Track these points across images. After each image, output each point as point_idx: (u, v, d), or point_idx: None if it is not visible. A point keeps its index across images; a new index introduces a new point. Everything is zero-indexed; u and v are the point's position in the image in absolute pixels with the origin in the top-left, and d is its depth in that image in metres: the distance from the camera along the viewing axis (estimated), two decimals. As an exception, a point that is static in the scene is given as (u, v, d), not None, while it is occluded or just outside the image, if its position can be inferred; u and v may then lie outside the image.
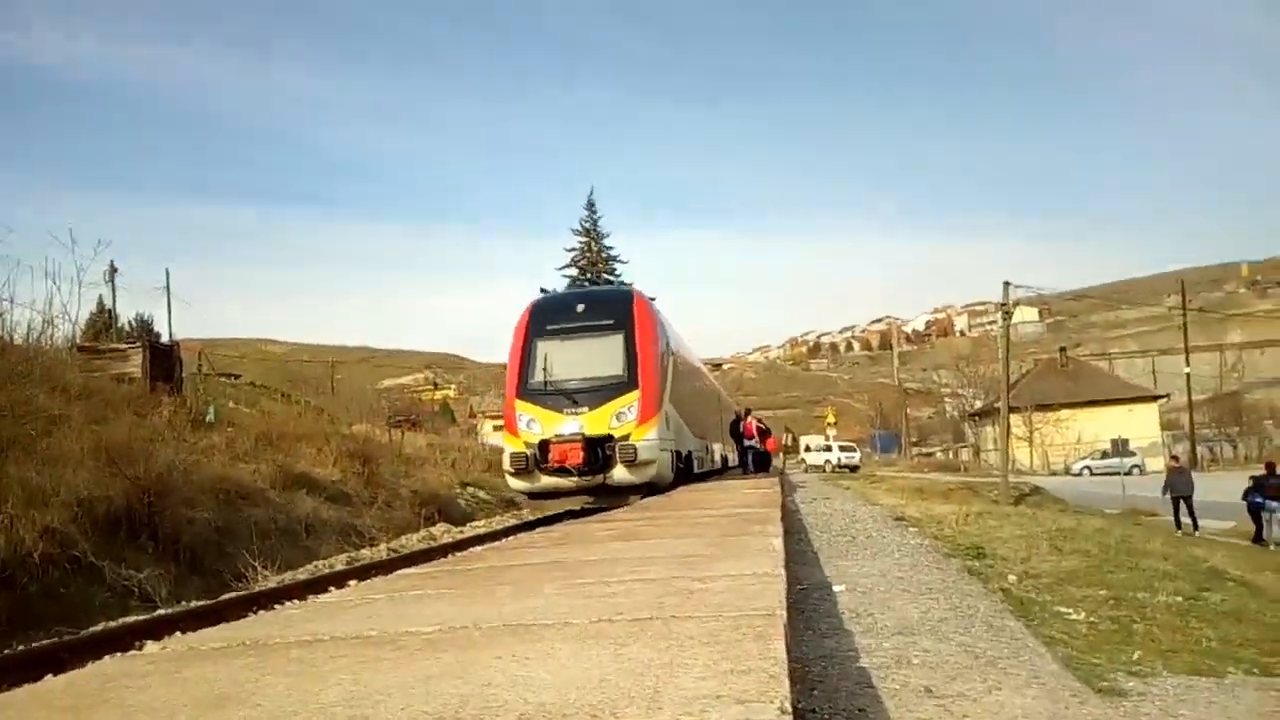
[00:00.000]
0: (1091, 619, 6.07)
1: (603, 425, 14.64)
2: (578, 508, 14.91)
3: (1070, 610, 6.33)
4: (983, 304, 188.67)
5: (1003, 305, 29.80)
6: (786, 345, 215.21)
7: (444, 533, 17.44)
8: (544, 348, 15.51)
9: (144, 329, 72.37)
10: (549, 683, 1.99)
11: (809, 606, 6.03)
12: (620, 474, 14.52)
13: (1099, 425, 56.86)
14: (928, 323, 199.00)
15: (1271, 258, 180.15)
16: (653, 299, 17.25)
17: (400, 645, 2.55)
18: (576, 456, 14.34)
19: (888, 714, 3.47)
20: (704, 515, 7.82)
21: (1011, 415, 35.82)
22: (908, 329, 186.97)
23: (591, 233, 53.92)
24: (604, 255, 54.23)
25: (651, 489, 14.89)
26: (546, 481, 14.79)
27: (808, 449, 59.88)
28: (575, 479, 14.51)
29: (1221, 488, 23.58)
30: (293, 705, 1.96)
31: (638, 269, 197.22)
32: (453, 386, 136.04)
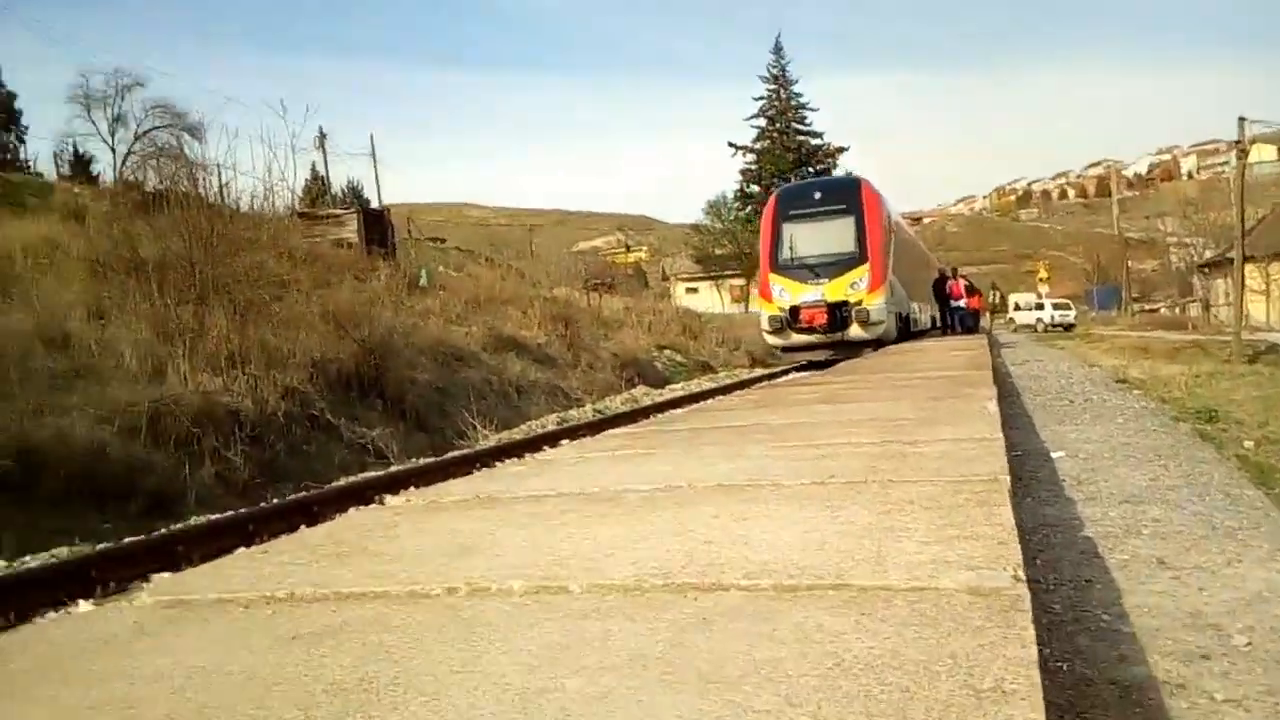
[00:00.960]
0: (1347, 489, 5.58)
1: (840, 293, 17.87)
2: (821, 359, 17.63)
3: (1321, 479, 5.83)
4: (1213, 144, 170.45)
5: (1237, 143, 26.82)
6: (993, 195, 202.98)
7: (644, 394, 17.93)
8: (789, 230, 18.65)
9: (355, 194, 76.31)
10: (768, 543, 2.01)
11: (1025, 473, 5.83)
12: (856, 332, 17.82)
13: (1351, 274, 51.20)
14: (1150, 166, 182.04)
15: None
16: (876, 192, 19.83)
17: (620, 502, 2.64)
18: (821, 318, 17.78)
19: (1117, 586, 3.33)
20: (910, 378, 7.64)
21: (1247, 265, 32.71)
22: (1128, 173, 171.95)
23: (780, 79, 52.03)
24: (793, 104, 52.40)
25: (879, 344, 17.93)
26: (797, 338, 18.40)
27: (1017, 307, 57.14)
28: (820, 335, 17.99)
29: None
30: (531, 555, 2.08)
31: (829, 117, 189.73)
32: (644, 248, 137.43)
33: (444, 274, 33.80)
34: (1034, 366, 16.57)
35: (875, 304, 17.91)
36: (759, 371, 24.12)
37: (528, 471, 3.50)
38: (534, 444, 10.43)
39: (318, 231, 25.66)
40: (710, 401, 12.47)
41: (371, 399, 15.55)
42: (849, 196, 18.90)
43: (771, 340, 19.44)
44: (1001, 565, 1.73)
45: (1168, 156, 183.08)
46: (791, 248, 18.57)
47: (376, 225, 26.74)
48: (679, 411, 10.48)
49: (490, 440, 12.92)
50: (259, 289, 17.06)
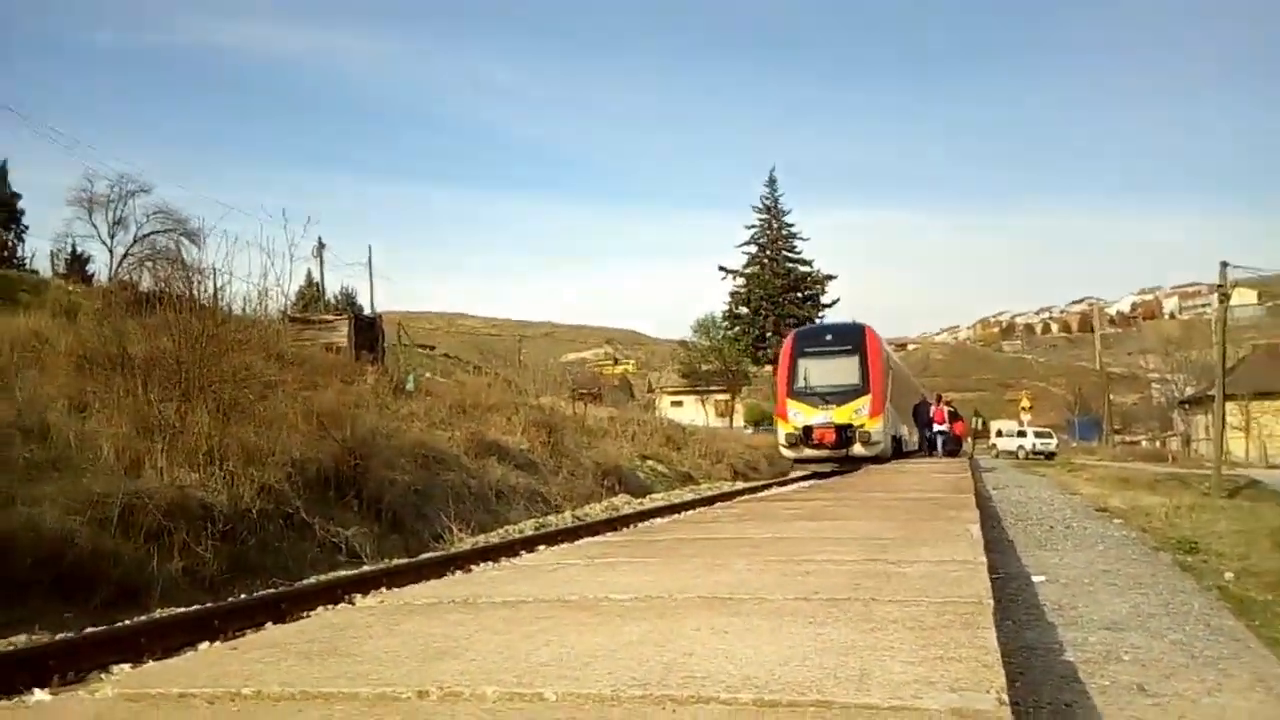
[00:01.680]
0: (1327, 625, 5.54)
1: (846, 416, 21.50)
2: (828, 470, 20.53)
3: (1301, 615, 5.80)
4: (1194, 285, 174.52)
5: (1219, 286, 27.47)
6: (977, 326, 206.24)
7: (625, 503, 17.79)
8: (804, 364, 22.46)
9: (348, 301, 77.06)
10: (750, 656, 1.98)
11: (1006, 596, 5.78)
12: (858, 449, 21.26)
13: (1327, 416, 51.91)
14: (1133, 305, 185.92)
15: None
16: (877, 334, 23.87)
17: (600, 610, 2.60)
18: (830, 437, 21.37)
19: (1097, 711, 3.28)
20: (894, 498, 7.63)
21: (1227, 403, 33.10)
22: (1110, 311, 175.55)
23: (772, 210, 53.42)
24: (784, 232, 53.66)
25: (878, 460, 21.06)
26: (809, 452, 21.97)
27: (999, 433, 57.38)
28: (829, 450, 21.43)
29: None
30: (506, 660, 2.04)
31: (819, 246, 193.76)
32: (631, 361, 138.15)
33: (431, 380, 33.83)
34: (1015, 492, 16.57)
35: (875, 427, 21.54)
36: (740, 485, 24.03)
37: (504, 576, 3.46)
38: (511, 548, 10.28)
39: (308, 336, 25.76)
40: (692, 513, 12.42)
41: (349, 498, 15.35)
42: (855, 338, 22.84)
43: (788, 453, 23.06)
44: (984, 687, 1.71)
45: (1150, 296, 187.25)
46: (806, 378, 22.35)
47: (367, 331, 26.90)
48: (660, 521, 10.38)
49: (465, 543, 12.73)
50: (244, 389, 17.03)
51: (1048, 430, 57.96)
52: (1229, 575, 7.13)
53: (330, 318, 29.06)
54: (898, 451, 24.29)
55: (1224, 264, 30.40)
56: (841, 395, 21.91)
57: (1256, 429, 53.03)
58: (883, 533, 4.77)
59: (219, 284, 22.55)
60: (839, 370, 22.26)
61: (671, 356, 74.57)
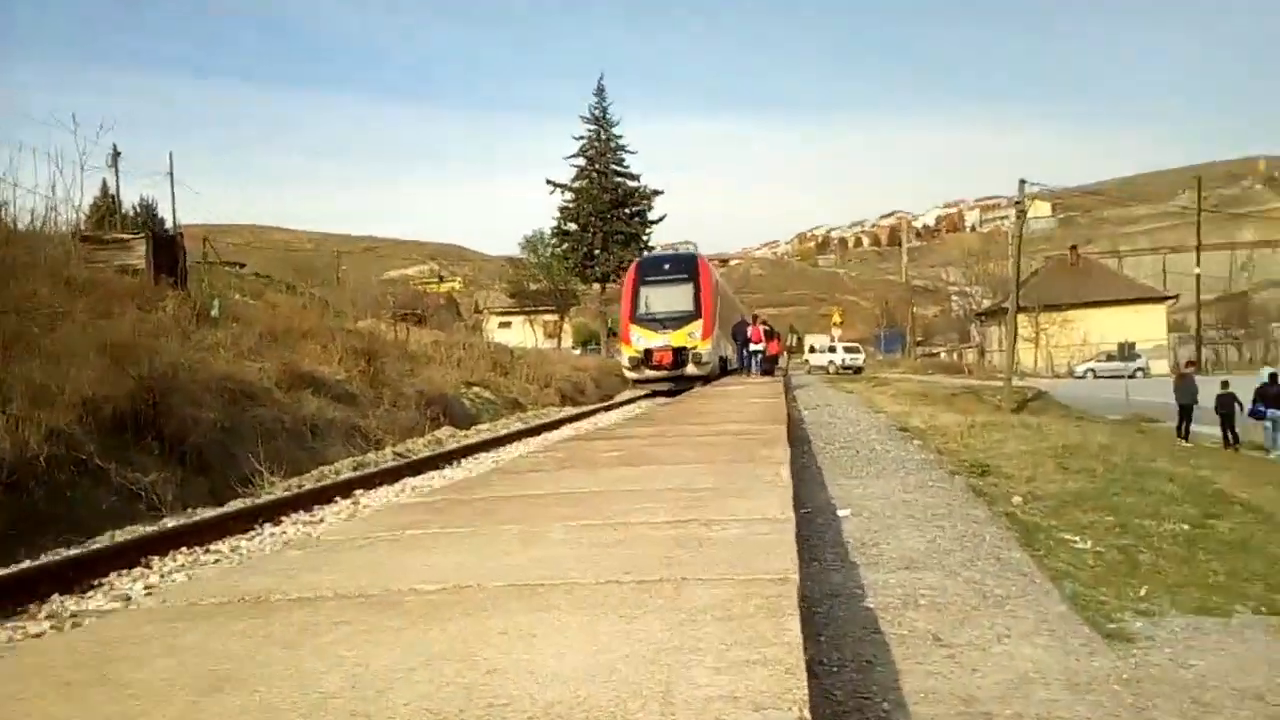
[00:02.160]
0: (1098, 548, 6.06)
1: (681, 339, 24.07)
2: (665, 389, 23.65)
3: (1076, 538, 6.31)
4: (994, 199, 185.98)
5: (1017, 203, 29.29)
6: (795, 240, 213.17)
7: (449, 436, 17.51)
8: (645, 291, 24.90)
9: (148, 215, 71.42)
10: (556, 672, 1.92)
11: (814, 533, 6.02)
12: (691, 369, 23.93)
13: (1105, 326, 56.66)
14: (938, 218, 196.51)
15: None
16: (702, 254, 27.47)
17: (403, 609, 2.48)
18: (667, 359, 24.01)
19: (896, 667, 3.44)
20: (710, 432, 7.77)
21: (1019, 315, 35.58)
22: (918, 224, 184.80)
23: (601, 121, 52.75)
24: (612, 145, 53.22)
25: (706, 380, 23.76)
26: (649, 373, 24.50)
27: (812, 349, 59.89)
28: (666, 371, 24.08)
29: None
30: (294, 691, 1.90)
31: (647, 159, 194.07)
32: (458, 279, 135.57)
33: (240, 303, 32.07)
34: (824, 413, 17.31)
35: (706, 349, 24.29)
36: (568, 410, 24.08)
37: (304, 561, 3.27)
38: (324, 494, 9.90)
39: (102, 257, 23.76)
40: (516, 452, 12.27)
41: (148, 440, 14.40)
42: (689, 267, 25.37)
43: (630, 375, 25.59)
44: (788, 704, 1.71)
45: (954, 209, 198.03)
46: (647, 304, 24.80)
47: (167, 251, 25.03)
48: (481, 469, 10.12)
49: (277, 489, 12.21)
50: (29, 320, 15.63)
51: (855, 346, 60.88)
52: (1017, 499, 7.67)
53: (126, 237, 26.90)
54: (724, 369, 26.72)
55: (1022, 181, 32.37)
56: (677, 320, 24.35)
57: (1044, 339, 57.47)
58: (698, 480, 4.81)
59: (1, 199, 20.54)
60: (676, 297, 24.63)
61: (500, 274, 73.56)
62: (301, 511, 9.17)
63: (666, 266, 25.71)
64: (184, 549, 7.52)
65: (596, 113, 52.35)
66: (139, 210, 70.37)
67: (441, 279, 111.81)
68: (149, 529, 9.04)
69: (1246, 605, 4.96)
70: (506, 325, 60.76)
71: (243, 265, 79.73)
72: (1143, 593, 5.10)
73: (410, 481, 11.02)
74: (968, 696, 3.13)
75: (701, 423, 9.39)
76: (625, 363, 25.51)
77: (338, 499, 9.85)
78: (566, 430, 17.02)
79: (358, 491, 10.25)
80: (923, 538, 5.82)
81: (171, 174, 59.79)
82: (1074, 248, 69.57)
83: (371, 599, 2.62)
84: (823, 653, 3.56)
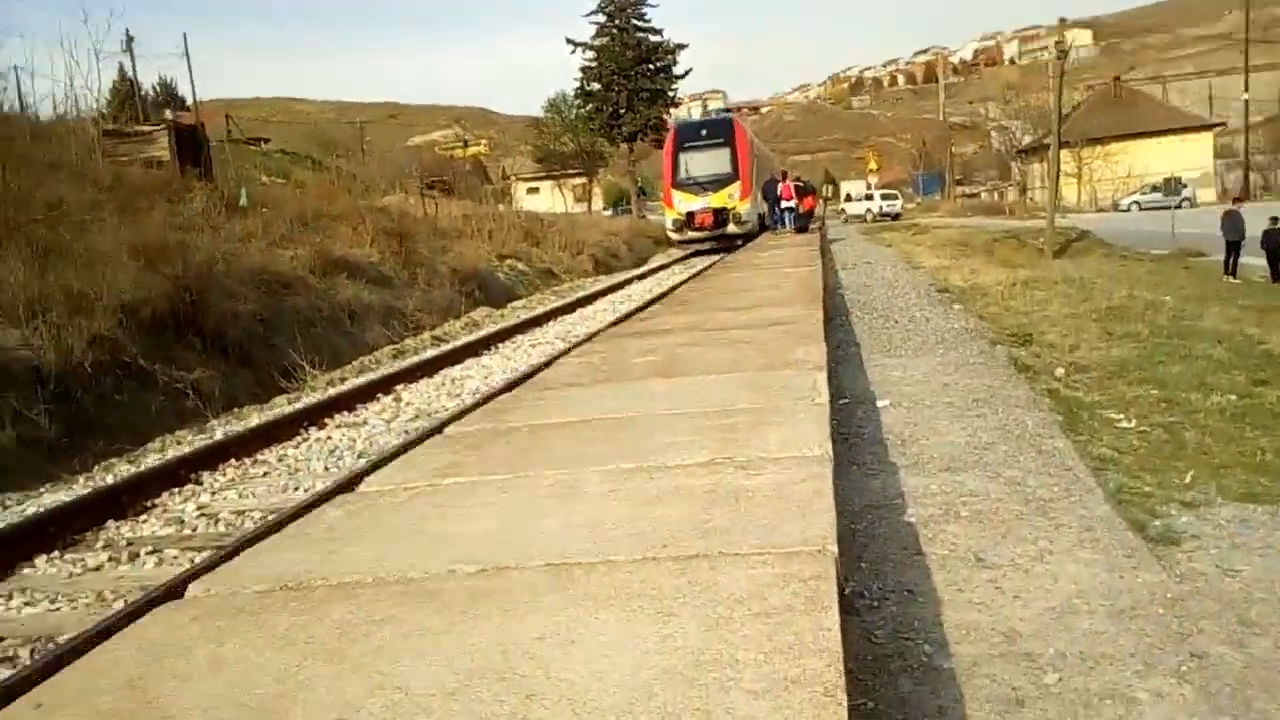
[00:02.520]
0: (1142, 428, 5.98)
1: (722, 201, 25.64)
2: (708, 248, 26.34)
3: (1120, 416, 6.23)
4: (1033, 29, 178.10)
5: (1057, 43, 27.92)
6: (827, 83, 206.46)
7: (485, 317, 17.57)
8: (684, 157, 26.45)
9: (168, 94, 70.42)
10: (595, 697, 1.93)
11: (854, 429, 6.00)
12: (732, 228, 25.79)
13: (1151, 157, 54.89)
14: (975, 52, 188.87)
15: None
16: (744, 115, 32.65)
17: (443, 599, 2.50)
18: (709, 220, 25.82)
19: (936, 595, 3.45)
20: (744, 322, 7.69)
21: (1061, 150, 34.45)
22: (954, 59, 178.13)
23: (618, -31, 50.61)
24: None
25: (747, 238, 25.93)
26: (692, 234, 26.49)
27: (848, 198, 58.80)
28: (709, 231, 26.06)
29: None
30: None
31: (668, 14, 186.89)
32: (483, 142, 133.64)
33: (267, 186, 31.92)
34: (861, 273, 17.10)
35: (745, 208, 25.89)
36: (600, 282, 24.01)
37: (344, 524, 3.30)
38: (370, 391, 10.00)
39: (124, 151, 23.65)
40: (552, 334, 12.16)
41: (189, 338, 14.63)
42: (726, 131, 26.79)
43: (674, 236, 27.58)
44: (826, 738, 1.70)
45: (991, 43, 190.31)
46: (687, 169, 26.28)
47: (190, 141, 24.82)
48: (518, 362, 9.86)
49: (319, 383, 12.40)
50: (60, 226, 15.68)
51: (893, 192, 59.72)
52: (1059, 372, 7.58)
53: (147, 129, 26.70)
54: (762, 226, 28.30)
55: (1062, 20, 30.87)
56: (717, 183, 25.91)
57: (1088, 174, 55.80)
58: (735, 398, 4.77)
59: (20, 89, 20.31)
60: (714, 161, 26.15)
61: (524, 136, 72.22)
62: (345, 413, 9.32)
63: (703, 132, 27.16)
64: (233, 461, 7.69)
65: (614, -36, 50.13)
66: (158, 90, 69.26)
67: (466, 143, 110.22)
68: (197, 440, 9.27)
69: (1297, 488, 4.90)
70: (535, 191, 60.16)
71: (267, 141, 79.03)
72: (1188, 479, 5.04)
73: (449, 373, 11.11)
74: (1009, 631, 3.13)
75: (735, 306, 9.29)
76: (669, 225, 27.18)
77: (380, 396, 9.98)
78: (601, 306, 16.99)
79: (399, 387, 10.38)
80: (964, 430, 5.78)
81: (187, 54, 58.79)
82: (1117, 78, 66.57)
83: (411, 585, 2.64)
84: (864, 583, 3.58)
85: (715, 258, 25.32)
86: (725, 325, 7.82)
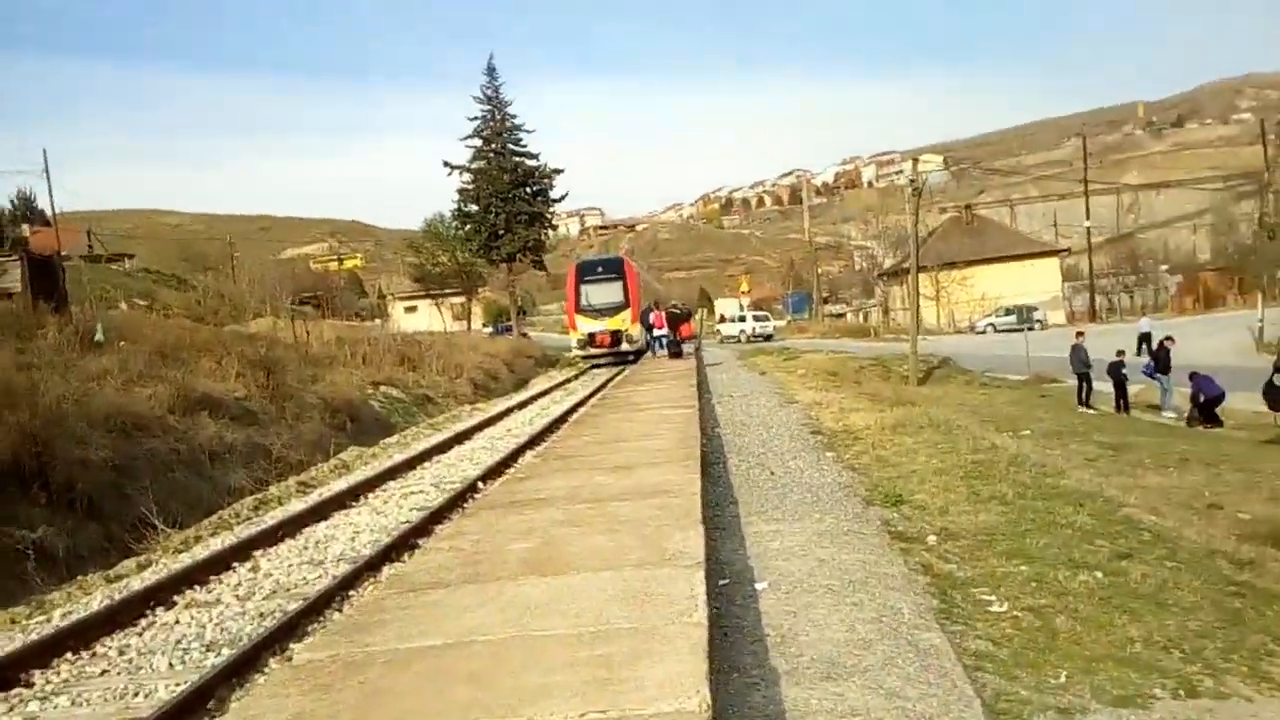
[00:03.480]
0: (1015, 612, 6.04)
1: (616, 324, 32.31)
2: (604, 363, 32.88)
3: (993, 598, 6.29)
4: (889, 154, 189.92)
5: (912, 182, 29.71)
6: (699, 202, 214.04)
7: (356, 459, 16.96)
8: (585, 288, 33.11)
9: (27, 209, 67.39)
10: None
11: (733, 620, 5.86)
12: (625, 346, 32.22)
13: (1003, 281, 58.30)
14: (836, 174, 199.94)
15: (1165, 98, 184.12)
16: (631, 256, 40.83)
17: None
18: (606, 339, 32.49)
19: None
20: (620, 492, 7.55)
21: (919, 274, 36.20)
22: (817, 182, 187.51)
23: (494, 100, 51.64)
24: (508, 124, 52.22)
25: (639, 354, 32.48)
26: (594, 351, 32.99)
27: (722, 319, 60.28)
28: (606, 349, 32.47)
29: (1118, 344, 24.53)
30: None
31: (545, 136, 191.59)
32: (359, 256, 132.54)
33: (127, 313, 30.65)
34: (738, 409, 17.27)
35: (635, 331, 32.27)
36: (480, 413, 23.57)
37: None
38: (219, 563, 9.23)
39: (-26, 283, 22.41)
40: (426, 480, 11.42)
41: (34, 491, 13.61)
42: (618, 268, 34.19)
43: (578, 353, 34.38)
44: None
45: (851, 166, 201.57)
46: (588, 299, 32.91)
47: (44, 272, 23.70)
48: (388, 519, 9.08)
49: (173, 542, 11.57)
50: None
51: (764, 314, 61.68)
52: (931, 540, 7.66)
53: (-1, 258, 25.45)
54: (649, 345, 33.09)
55: (915, 160, 33.23)
56: (612, 310, 32.47)
57: (945, 297, 58.77)
58: (611, 617, 4.58)
59: None
60: (609, 292, 32.70)
61: (402, 251, 71.82)
62: (197, 587, 8.72)
63: (599, 269, 34.55)
64: (69, 655, 7.03)
65: (489, 92, 51.22)
66: (16, 205, 66.42)
67: (341, 259, 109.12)
68: (32, 623, 8.48)
69: (1166, 688, 4.97)
70: (413, 309, 59.63)
71: (131, 257, 76.38)
72: (1062, 679, 5.07)
73: (314, 533, 10.59)
74: None
75: (615, 464, 9.17)
76: (574, 344, 34.14)
77: (235, 566, 9.39)
78: (481, 443, 16.61)
79: (257, 553, 9.80)
80: (842, 623, 5.70)
81: (47, 170, 56.66)
82: (968, 206, 71.21)
83: None
84: None
85: (596, 384, 25.56)
86: (603, 496, 7.67)
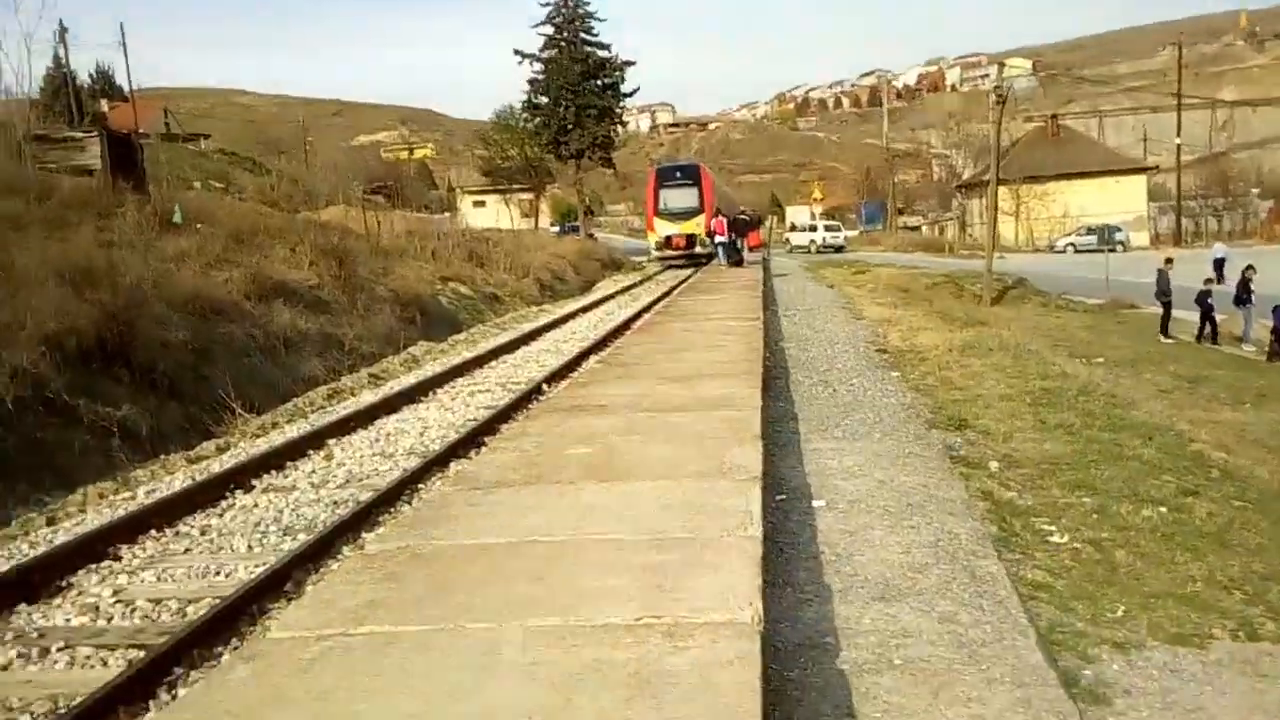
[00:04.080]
0: (1074, 544, 6.00)
1: (690, 228, 34.45)
2: (680, 264, 35.08)
3: (1053, 528, 6.25)
4: (975, 56, 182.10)
5: (996, 88, 28.53)
6: (774, 101, 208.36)
7: (425, 354, 17.26)
8: (663, 193, 35.42)
9: (105, 85, 67.81)
10: None
11: (788, 537, 5.92)
12: (698, 249, 34.08)
13: (1086, 199, 56.23)
14: (919, 76, 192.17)
15: (1274, 6, 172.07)
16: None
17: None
18: (681, 242, 34.86)
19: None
20: (682, 402, 7.60)
21: (998, 188, 35.17)
22: (898, 84, 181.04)
23: (567, -15, 50.50)
24: (580, 11, 51.10)
25: (710, 257, 32.98)
26: (669, 252, 35.47)
27: (793, 227, 59.24)
28: (681, 250, 34.85)
29: (1205, 272, 23.79)
30: None
31: (617, 26, 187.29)
32: (429, 146, 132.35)
33: (202, 195, 31.17)
34: (803, 324, 17.13)
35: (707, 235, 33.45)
36: (547, 314, 23.77)
37: (253, 696, 3.12)
38: (297, 448, 9.57)
39: (54, 158, 22.88)
40: (493, 380, 11.68)
41: (117, 370, 14.12)
42: (694, 174, 36.40)
43: (655, 254, 37.05)
44: None
45: (935, 68, 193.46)
46: (665, 203, 35.30)
47: (123, 150, 24.11)
48: (455, 415, 9.25)
49: (250, 428, 12.00)
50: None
51: (837, 224, 60.36)
52: (994, 466, 7.60)
53: (79, 135, 25.89)
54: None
55: (1001, 64, 31.77)
56: (688, 214, 34.60)
57: (1025, 213, 57.01)
58: (667, 526, 4.66)
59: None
60: (686, 197, 34.94)
61: (472, 142, 71.56)
62: (274, 472, 9.04)
63: (678, 174, 36.82)
64: (153, 533, 7.38)
65: (562, -24, 50.01)
66: (94, 80, 66.93)
67: (412, 149, 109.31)
68: (119, 498, 8.91)
69: (1225, 629, 4.93)
70: (481, 204, 59.62)
71: (207, 137, 77.21)
72: (1120, 613, 5.05)
73: (384, 425, 10.86)
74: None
75: (676, 375, 9.20)
76: (651, 246, 37.16)
77: (310, 453, 9.70)
78: (545, 345, 16.79)
79: (331, 441, 10.10)
80: (898, 544, 5.73)
81: (124, 44, 57.24)
82: (1054, 117, 68.25)
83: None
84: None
85: (661, 290, 25.50)
86: (664, 405, 7.73)
